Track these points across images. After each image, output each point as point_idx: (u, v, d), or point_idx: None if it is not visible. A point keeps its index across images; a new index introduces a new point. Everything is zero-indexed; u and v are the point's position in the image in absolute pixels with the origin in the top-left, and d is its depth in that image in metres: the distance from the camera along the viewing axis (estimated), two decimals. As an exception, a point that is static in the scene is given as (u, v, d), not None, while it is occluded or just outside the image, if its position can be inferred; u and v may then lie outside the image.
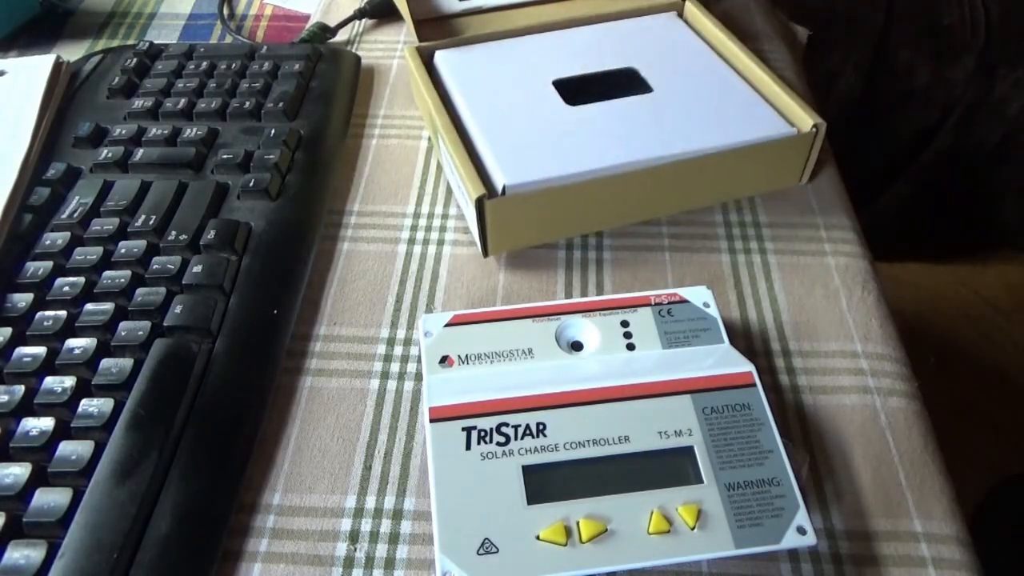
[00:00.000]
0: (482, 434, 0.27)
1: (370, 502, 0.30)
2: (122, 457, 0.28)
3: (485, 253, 0.37)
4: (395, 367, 0.34)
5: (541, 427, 0.27)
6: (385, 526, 0.29)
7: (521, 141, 0.38)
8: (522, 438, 0.27)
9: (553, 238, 0.39)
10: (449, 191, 0.41)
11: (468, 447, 0.27)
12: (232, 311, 0.34)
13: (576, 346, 0.31)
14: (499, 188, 0.35)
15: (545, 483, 0.26)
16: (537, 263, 0.38)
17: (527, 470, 0.27)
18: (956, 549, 0.28)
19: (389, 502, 0.30)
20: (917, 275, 1.31)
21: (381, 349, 0.35)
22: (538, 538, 0.25)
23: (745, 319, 0.36)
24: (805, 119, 0.38)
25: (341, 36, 0.51)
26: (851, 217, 0.40)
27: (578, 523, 0.25)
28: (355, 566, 0.28)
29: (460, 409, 0.28)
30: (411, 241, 0.39)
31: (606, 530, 0.25)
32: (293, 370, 0.34)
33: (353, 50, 0.50)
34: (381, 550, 0.29)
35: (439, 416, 0.28)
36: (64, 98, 0.45)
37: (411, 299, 0.36)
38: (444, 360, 0.30)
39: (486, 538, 0.25)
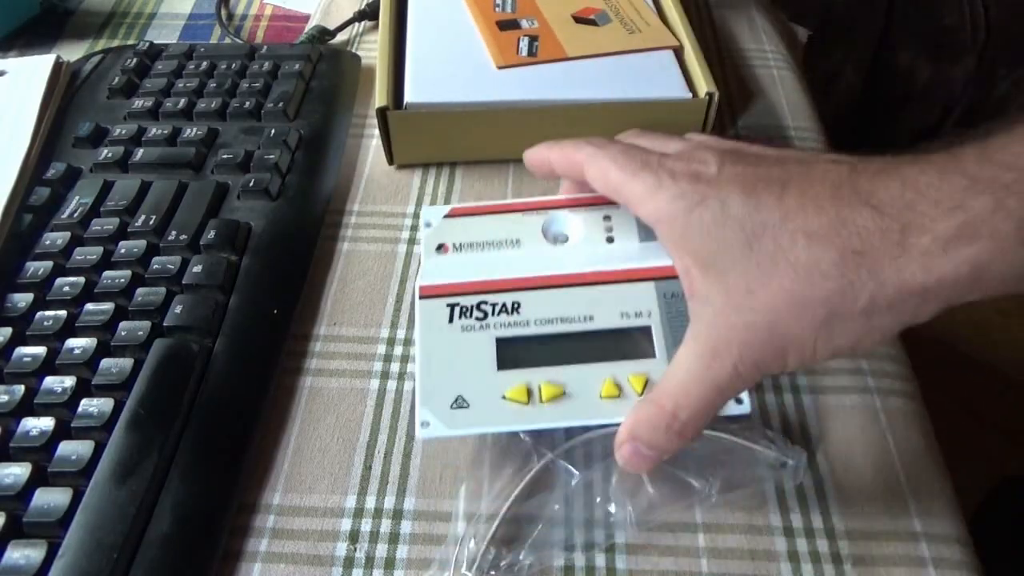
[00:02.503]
0: (463, 310, 0.30)
1: (370, 502, 0.30)
2: (122, 457, 0.28)
3: (390, 161, 0.42)
4: (395, 367, 0.34)
5: (516, 305, 0.30)
6: (385, 526, 0.29)
7: (441, 64, 0.42)
8: (498, 314, 0.30)
9: (455, 158, 0.43)
10: (450, 190, 0.41)
11: (451, 320, 0.30)
12: (232, 311, 0.34)
13: (561, 238, 0.34)
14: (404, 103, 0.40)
15: (515, 353, 0.29)
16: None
17: (500, 342, 0.29)
18: (956, 549, 0.28)
19: (389, 502, 0.30)
20: (917, 275, 1.30)
21: (381, 349, 0.35)
22: (504, 397, 0.28)
23: (745, 319, 0.36)
24: (703, 86, 0.41)
25: (341, 37, 0.51)
26: (851, 217, 0.40)
27: (540, 386, 0.28)
28: (355, 566, 0.28)
29: (447, 288, 0.30)
30: (411, 241, 0.39)
31: (563, 393, 0.28)
32: (293, 370, 0.34)
33: (353, 50, 0.50)
34: (381, 550, 0.29)
35: (428, 294, 0.30)
36: (64, 98, 0.45)
37: (411, 299, 0.36)
38: (440, 248, 0.32)
39: (459, 395, 0.28)
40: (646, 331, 0.29)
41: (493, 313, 0.30)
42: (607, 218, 0.33)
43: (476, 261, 0.32)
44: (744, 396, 0.28)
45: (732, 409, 0.27)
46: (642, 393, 0.28)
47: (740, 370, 0.23)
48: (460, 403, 0.28)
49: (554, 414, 0.28)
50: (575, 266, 0.31)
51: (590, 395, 0.28)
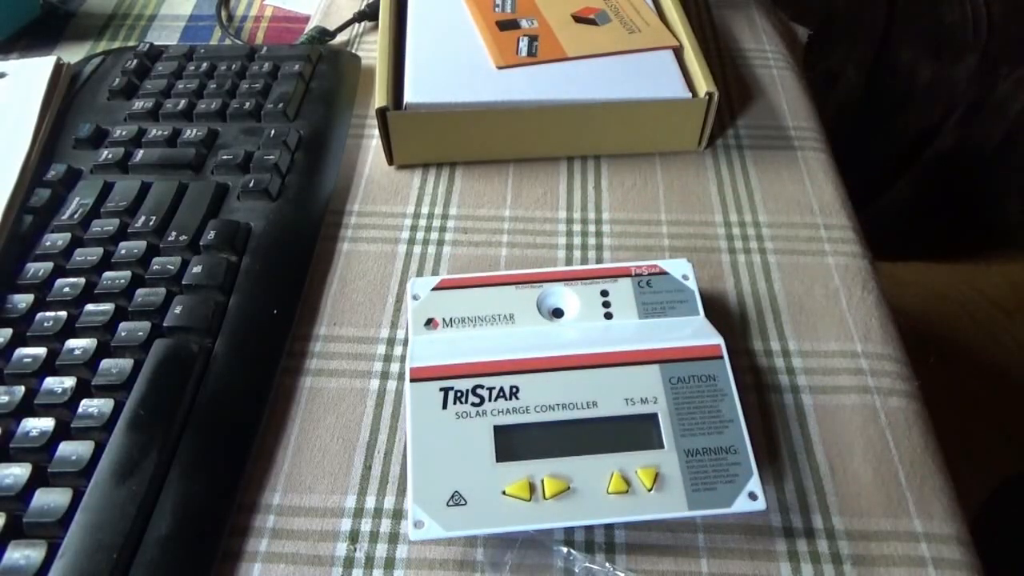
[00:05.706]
0: (458, 395, 0.29)
1: (370, 502, 0.30)
2: (122, 457, 0.28)
3: (390, 161, 0.42)
4: (395, 367, 0.34)
5: (514, 390, 0.29)
6: (385, 526, 0.29)
7: (441, 65, 0.42)
8: (495, 400, 0.28)
9: (455, 158, 0.43)
10: (450, 191, 0.41)
11: (444, 407, 0.28)
12: (232, 311, 0.34)
13: (557, 313, 0.32)
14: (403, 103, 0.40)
15: (514, 442, 0.28)
16: (536, 264, 0.38)
17: (498, 430, 0.28)
18: (956, 549, 0.28)
19: (389, 502, 0.30)
20: (919, 274, 1.30)
21: (381, 349, 0.35)
22: (504, 493, 0.27)
23: (745, 319, 0.36)
24: (703, 86, 0.40)
25: (341, 37, 0.51)
26: (851, 217, 0.40)
27: (542, 480, 0.27)
28: (355, 566, 0.28)
29: (440, 371, 0.29)
30: (411, 241, 0.39)
31: (568, 488, 0.27)
32: (293, 370, 0.34)
33: (353, 51, 0.50)
34: (381, 550, 0.29)
35: (419, 376, 0.29)
36: (65, 100, 0.45)
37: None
38: (429, 323, 0.31)
39: (456, 491, 0.27)
40: (652, 419, 0.28)
41: (490, 399, 0.28)
42: (604, 293, 0.32)
43: (469, 338, 0.31)
44: (759, 491, 0.27)
45: (746, 506, 0.26)
46: (651, 488, 0.27)
47: None
48: (457, 500, 0.26)
49: (558, 512, 0.26)
50: (575, 346, 0.30)
51: (596, 490, 0.27)
